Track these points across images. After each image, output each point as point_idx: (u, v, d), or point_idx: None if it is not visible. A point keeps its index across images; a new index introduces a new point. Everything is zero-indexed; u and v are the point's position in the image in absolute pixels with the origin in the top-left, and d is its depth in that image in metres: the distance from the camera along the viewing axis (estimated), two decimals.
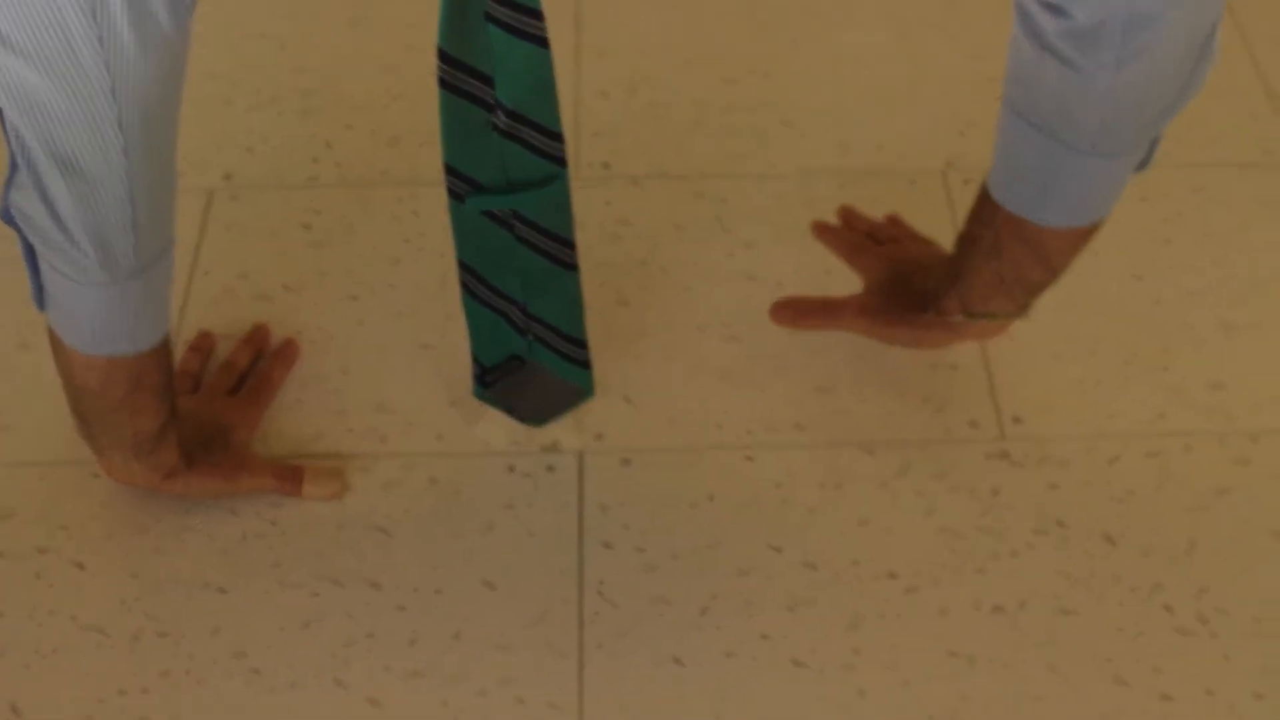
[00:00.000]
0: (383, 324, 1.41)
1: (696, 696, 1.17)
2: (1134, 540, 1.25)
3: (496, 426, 1.32)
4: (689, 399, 1.35)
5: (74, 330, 1.13)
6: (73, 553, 1.25)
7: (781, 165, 1.54)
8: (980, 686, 1.16)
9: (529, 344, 1.26)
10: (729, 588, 1.22)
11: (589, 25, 1.68)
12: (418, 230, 1.48)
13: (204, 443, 1.27)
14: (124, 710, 1.16)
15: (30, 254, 1.10)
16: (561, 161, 1.14)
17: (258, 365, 1.37)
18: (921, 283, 1.28)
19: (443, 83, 1.09)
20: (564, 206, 1.17)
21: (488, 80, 1.09)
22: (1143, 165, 1.11)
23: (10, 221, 1.08)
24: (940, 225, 1.44)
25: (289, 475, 1.28)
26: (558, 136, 1.12)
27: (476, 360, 1.27)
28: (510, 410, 1.30)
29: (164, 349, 1.17)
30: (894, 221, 1.42)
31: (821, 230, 1.42)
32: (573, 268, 1.21)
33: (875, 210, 1.45)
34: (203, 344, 1.38)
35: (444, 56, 1.08)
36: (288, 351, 1.38)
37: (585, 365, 1.28)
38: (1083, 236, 1.15)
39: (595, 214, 1.49)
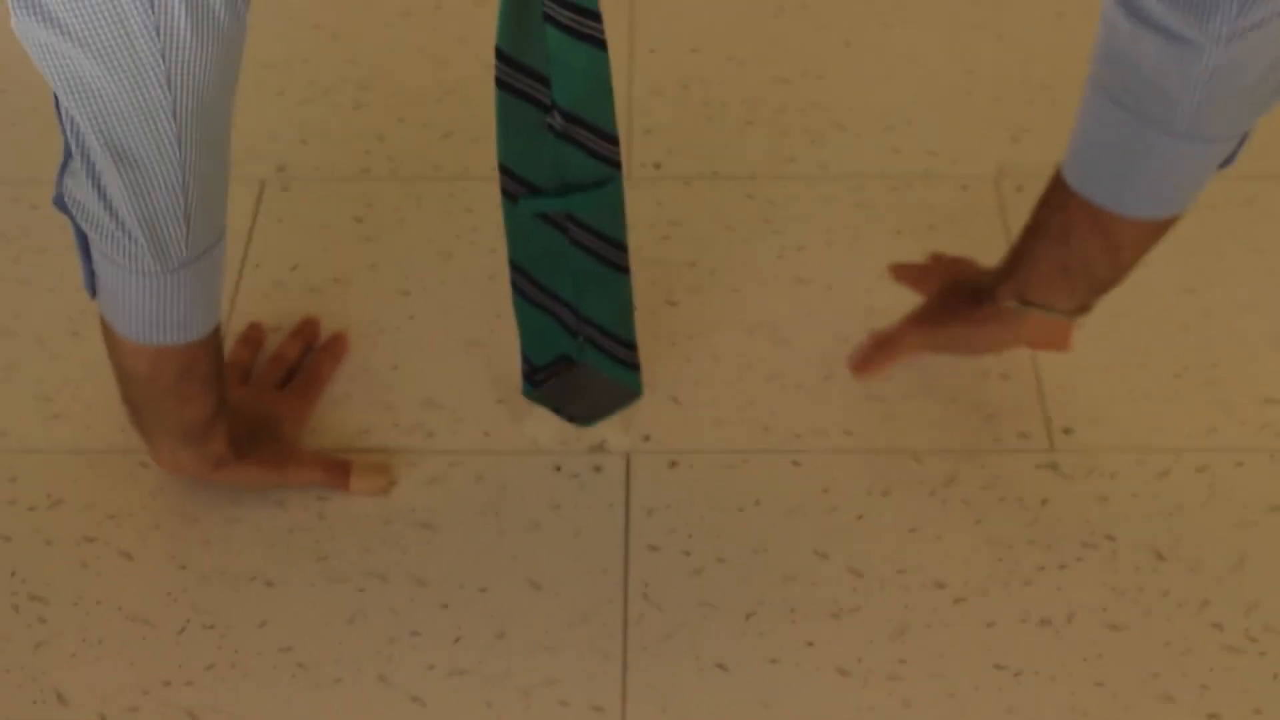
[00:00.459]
0: (432, 319, 1.41)
1: (740, 703, 1.16)
2: (1183, 555, 1.24)
3: (544, 425, 1.32)
4: (737, 401, 1.35)
5: (124, 318, 1.13)
6: (120, 542, 1.26)
7: (833, 168, 1.54)
8: (1026, 699, 1.16)
9: (579, 345, 1.25)
10: (774, 593, 1.22)
11: (642, 23, 1.68)
12: (470, 225, 1.48)
13: (253, 434, 1.27)
14: (168, 702, 1.16)
15: (83, 241, 1.10)
16: (616, 164, 1.14)
17: (307, 359, 1.37)
18: (978, 280, 1.26)
19: (500, 82, 1.09)
20: (617, 209, 1.17)
21: (545, 81, 1.08)
22: (1228, 161, 1.10)
23: (63, 208, 1.08)
24: (991, 231, 1.43)
25: (336, 469, 1.28)
26: (613, 139, 1.12)
27: (526, 359, 1.27)
28: (558, 410, 1.30)
29: (214, 339, 1.17)
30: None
31: (897, 269, 1.39)
32: (625, 270, 1.20)
33: (926, 215, 1.45)
34: (252, 336, 1.38)
35: (502, 56, 1.08)
36: (337, 346, 1.38)
37: (635, 367, 1.28)
38: (1156, 231, 1.13)
39: (646, 214, 1.49)
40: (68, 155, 1.05)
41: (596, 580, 1.23)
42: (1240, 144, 1.09)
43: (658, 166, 1.54)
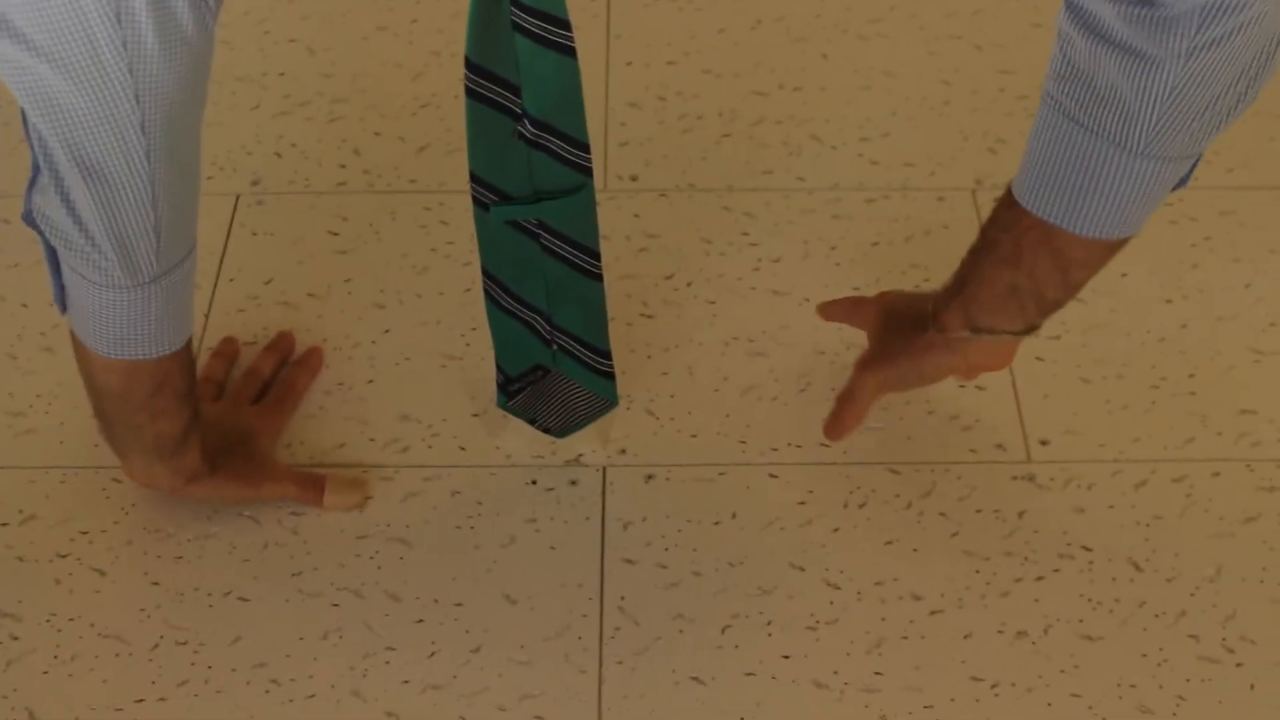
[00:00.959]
0: (408, 333, 1.40)
1: (716, 716, 1.16)
2: (1160, 566, 1.24)
3: (520, 439, 1.32)
4: (713, 414, 1.34)
5: (95, 333, 1.12)
6: (93, 558, 1.25)
7: (810, 180, 1.53)
8: (1003, 712, 1.16)
9: (553, 354, 1.25)
10: (750, 606, 1.22)
11: (618, 35, 1.68)
12: (445, 239, 1.48)
13: (227, 449, 1.26)
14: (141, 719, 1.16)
15: (52, 256, 1.10)
16: (588, 171, 1.13)
17: (282, 373, 1.37)
18: (920, 306, 1.24)
19: (470, 92, 1.09)
20: (589, 215, 1.17)
21: (515, 90, 1.08)
22: (1182, 183, 1.09)
23: (33, 224, 1.08)
24: (969, 243, 1.43)
25: (311, 484, 1.27)
26: (584, 146, 1.12)
27: (500, 369, 1.26)
28: (533, 421, 1.30)
29: (186, 354, 1.17)
30: None
31: (824, 309, 1.36)
32: (597, 277, 1.20)
33: (903, 227, 1.45)
34: (227, 350, 1.38)
35: (471, 65, 1.07)
36: (312, 360, 1.37)
37: (609, 375, 1.27)
38: (1108, 252, 1.12)
39: (623, 226, 1.49)
40: (36, 170, 1.04)
41: (572, 594, 1.23)
42: (1195, 165, 1.08)
43: (634, 179, 1.53)
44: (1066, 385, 1.35)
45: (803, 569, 1.24)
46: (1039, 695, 1.16)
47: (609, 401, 1.29)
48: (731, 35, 1.69)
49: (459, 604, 1.22)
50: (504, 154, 1.12)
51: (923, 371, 1.24)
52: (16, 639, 1.20)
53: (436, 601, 1.22)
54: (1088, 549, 1.25)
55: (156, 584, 1.23)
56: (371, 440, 1.33)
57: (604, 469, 1.31)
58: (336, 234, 1.49)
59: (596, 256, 1.19)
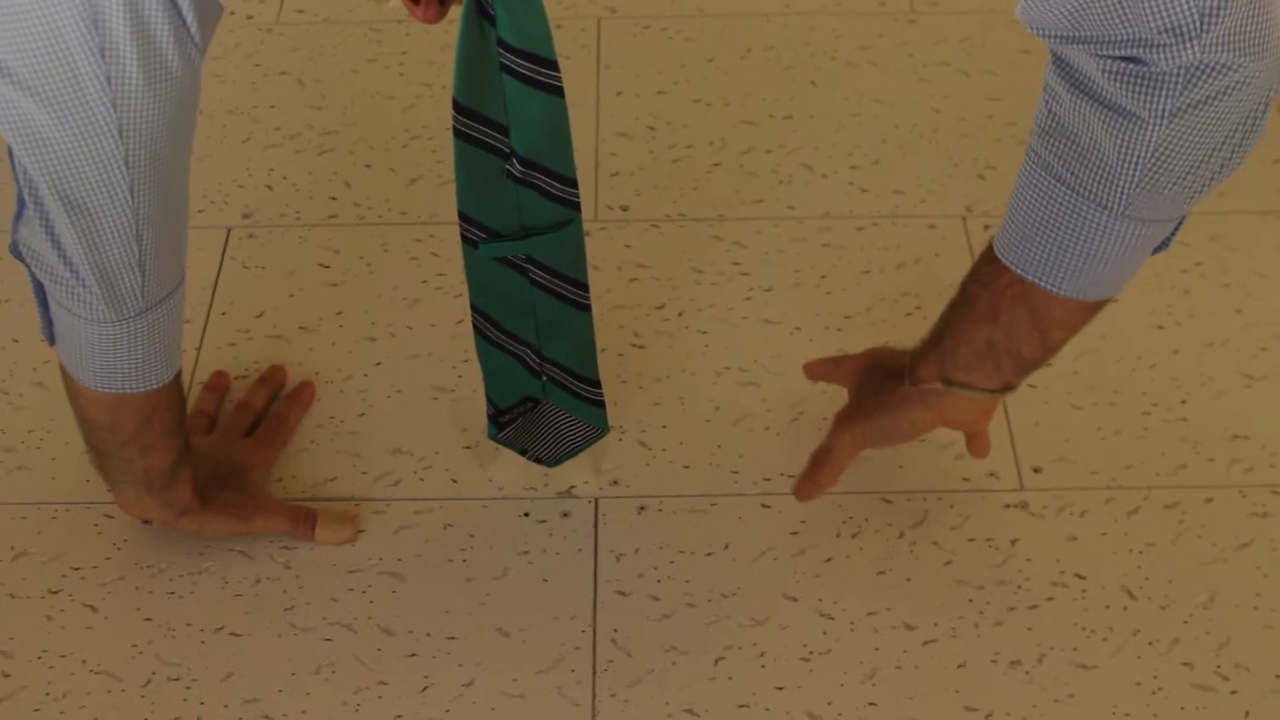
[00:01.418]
0: (399, 366, 1.40)
1: None
2: (1153, 593, 1.23)
3: (511, 471, 1.32)
4: (705, 444, 1.34)
5: (82, 367, 1.13)
6: (85, 595, 1.25)
7: (800, 208, 1.53)
8: None
9: (543, 385, 1.25)
10: (743, 637, 1.21)
11: (608, 66, 1.68)
12: (436, 271, 1.48)
13: (219, 482, 1.26)
14: None
15: (39, 289, 1.10)
16: (576, 206, 1.13)
17: (274, 406, 1.36)
18: (899, 360, 1.22)
19: (458, 133, 1.09)
20: (578, 249, 1.17)
21: (503, 129, 1.08)
22: (1163, 246, 1.09)
23: (19, 257, 1.08)
24: (960, 270, 1.41)
25: (302, 518, 1.27)
26: (572, 182, 1.12)
27: (491, 401, 1.26)
28: (525, 451, 1.30)
29: (175, 387, 1.17)
30: None
31: (810, 368, 1.35)
32: (586, 308, 1.20)
33: (894, 255, 1.45)
34: (218, 384, 1.38)
35: (459, 108, 1.07)
36: (304, 393, 1.37)
37: (600, 404, 1.27)
38: (1087, 313, 1.11)
39: (614, 257, 1.49)
40: (21, 204, 1.04)
41: (565, 626, 1.22)
42: (1177, 228, 1.07)
43: (625, 209, 1.53)
44: (1058, 412, 1.35)
45: (795, 599, 1.24)
46: None
47: (600, 429, 1.29)
48: (721, 64, 1.69)
49: (451, 637, 1.22)
50: (493, 193, 1.12)
51: (898, 426, 1.22)
52: (8, 676, 1.20)
53: (429, 635, 1.22)
54: (1081, 577, 1.24)
55: (148, 620, 1.23)
56: (363, 473, 1.33)
57: (596, 500, 1.30)
58: (328, 267, 1.49)
59: (585, 288, 1.19)
